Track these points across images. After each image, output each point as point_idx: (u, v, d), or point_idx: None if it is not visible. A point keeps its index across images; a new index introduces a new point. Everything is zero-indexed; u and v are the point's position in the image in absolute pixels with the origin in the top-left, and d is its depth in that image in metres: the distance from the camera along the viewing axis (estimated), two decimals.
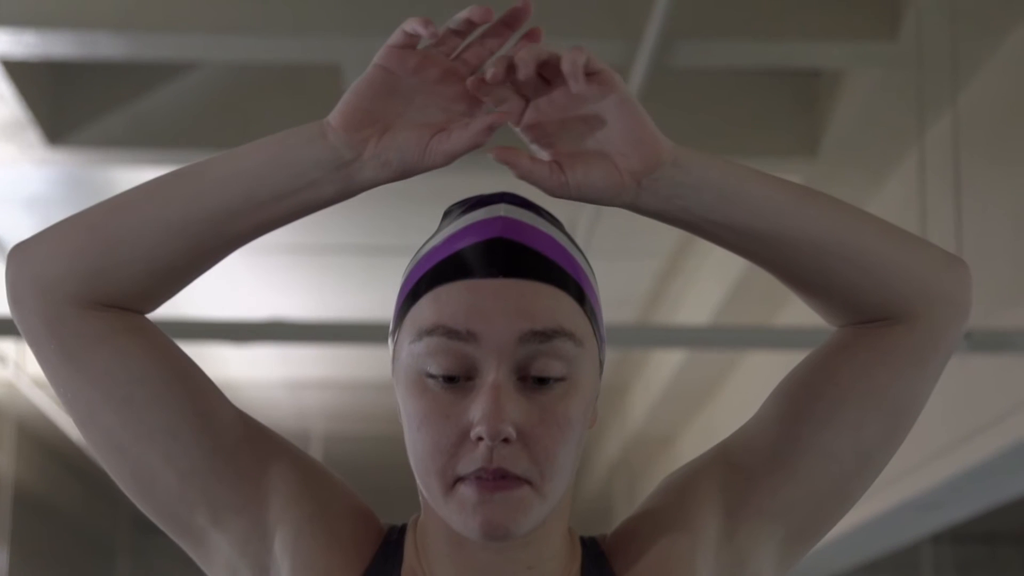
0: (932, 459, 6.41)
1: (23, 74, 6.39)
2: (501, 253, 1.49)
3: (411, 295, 1.53)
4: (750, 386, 9.37)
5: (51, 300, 1.50)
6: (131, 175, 7.93)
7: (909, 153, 6.56)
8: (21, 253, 1.51)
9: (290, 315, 9.96)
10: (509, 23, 1.47)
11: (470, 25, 1.45)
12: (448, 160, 1.44)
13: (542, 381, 1.47)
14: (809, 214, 1.52)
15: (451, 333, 1.46)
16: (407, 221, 8.76)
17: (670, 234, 8.77)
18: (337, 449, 13.74)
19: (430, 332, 1.47)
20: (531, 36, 1.46)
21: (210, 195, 1.49)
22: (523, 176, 1.45)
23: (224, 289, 9.40)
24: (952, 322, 1.59)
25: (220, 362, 10.36)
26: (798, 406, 1.58)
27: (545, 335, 1.47)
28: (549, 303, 1.48)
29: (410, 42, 1.45)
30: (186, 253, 1.51)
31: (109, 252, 1.50)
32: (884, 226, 1.57)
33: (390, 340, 1.56)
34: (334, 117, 1.47)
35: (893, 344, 1.57)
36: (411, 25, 1.42)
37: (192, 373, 1.55)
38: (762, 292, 8.27)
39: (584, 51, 1.41)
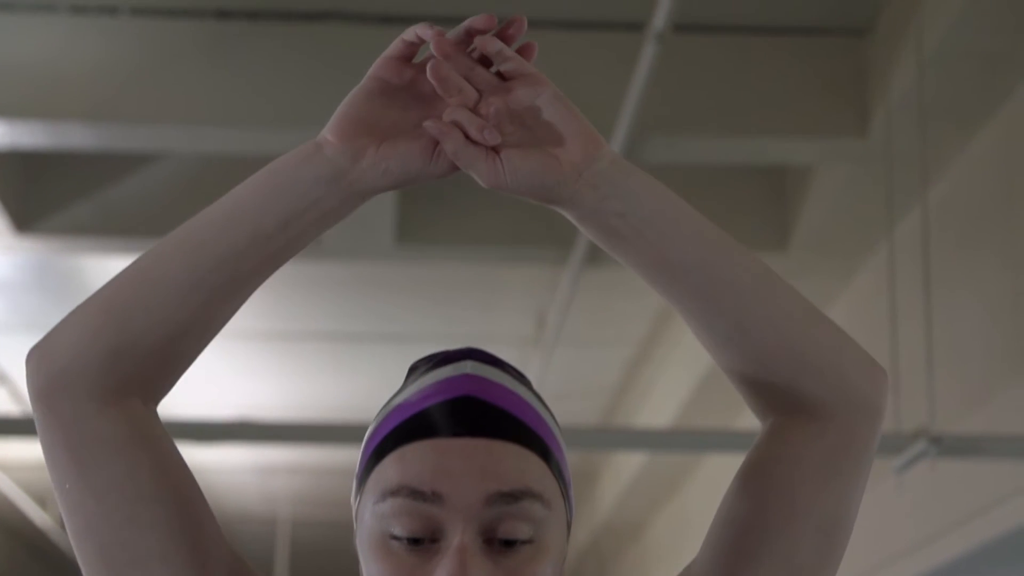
0: (899, 558, 6.39)
1: None
2: (468, 412, 1.46)
3: (375, 454, 1.48)
4: (720, 473, 9.34)
5: (72, 396, 1.46)
6: (99, 263, 7.91)
7: (879, 248, 6.57)
8: (38, 352, 1.48)
9: (260, 402, 9.95)
10: (503, 39, 1.47)
11: (471, 35, 1.45)
12: (452, 169, 1.45)
13: (509, 544, 1.43)
14: (740, 261, 1.49)
15: (416, 494, 1.43)
16: (377, 309, 8.75)
17: (640, 322, 8.77)
18: (304, 534, 13.65)
19: (394, 493, 1.44)
20: (526, 51, 1.47)
21: (214, 241, 1.46)
22: (454, 154, 1.43)
23: (193, 376, 9.32)
24: (864, 426, 1.53)
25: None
26: (729, 542, 1.53)
27: (512, 496, 1.43)
28: (517, 463, 1.45)
29: (407, 53, 1.45)
30: (203, 306, 1.47)
31: (126, 326, 1.46)
32: (812, 306, 1.54)
33: (353, 500, 1.53)
34: (328, 129, 1.46)
35: (807, 455, 1.51)
36: (413, 33, 1.43)
37: (195, 498, 1.51)
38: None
39: (511, 54, 1.43)
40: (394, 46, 1.45)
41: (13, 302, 8.50)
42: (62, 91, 5.77)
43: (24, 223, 6.83)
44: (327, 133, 1.46)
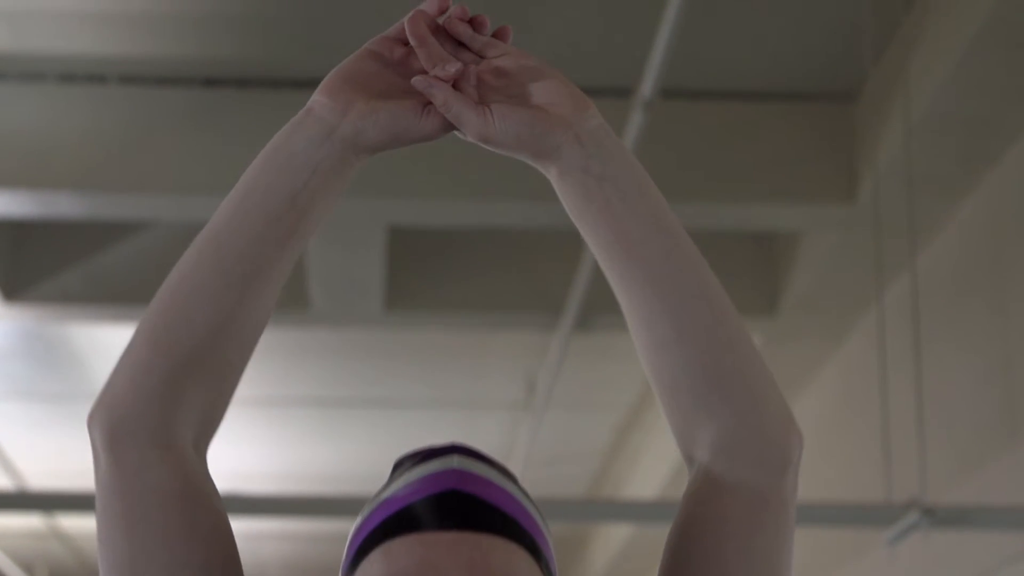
0: None
1: None
2: (455, 506, 1.44)
3: (361, 550, 1.46)
4: None
5: (137, 442, 1.45)
6: (88, 331, 7.90)
7: (868, 313, 6.57)
8: (99, 407, 1.47)
9: (249, 468, 9.91)
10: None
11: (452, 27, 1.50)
12: (443, 127, 1.47)
13: None
14: (699, 267, 1.50)
15: None
16: (366, 374, 8.73)
17: (630, 388, 8.75)
18: None
19: None
20: (500, 34, 1.52)
21: (232, 236, 1.46)
22: (444, 104, 1.45)
23: None
24: (774, 478, 1.49)
25: None
26: None
27: None
28: (505, 557, 1.42)
29: (403, 36, 1.48)
30: (240, 303, 1.47)
31: (173, 348, 1.45)
32: (754, 345, 1.52)
33: None
34: (318, 90, 1.47)
35: (728, 513, 1.48)
36: (423, 10, 1.48)
37: (235, 558, 1.51)
38: None
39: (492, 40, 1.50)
40: (393, 28, 1.49)
41: (2, 370, 8.48)
42: (51, 160, 5.77)
43: (13, 291, 6.81)
44: (315, 95, 1.48)
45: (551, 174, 1.50)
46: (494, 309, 7.20)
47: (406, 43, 1.49)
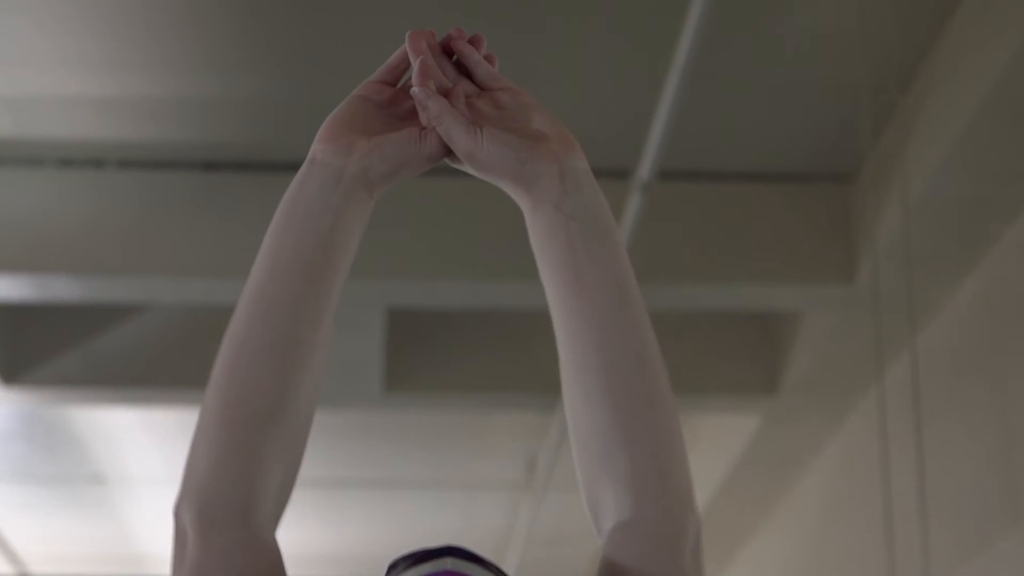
0: None
1: None
2: None
3: None
4: None
5: (227, 525, 1.44)
6: (87, 414, 7.88)
7: (868, 393, 6.54)
8: (184, 496, 1.47)
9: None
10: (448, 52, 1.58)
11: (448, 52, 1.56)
12: (443, 148, 1.50)
13: None
14: (641, 327, 1.52)
15: None
16: (366, 455, 8.70)
17: None
18: None
19: None
20: (475, 41, 1.57)
21: (277, 293, 1.49)
22: (437, 117, 1.48)
23: None
24: (673, 552, 1.48)
25: None
26: None
27: None
28: None
29: (389, 78, 1.53)
30: (301, 348, 1.48)
31: (250, 419, 1.46)
32: (678, 419, 1.52)
33: None
34: (317, 138, 1.51)
35: None
36: (396, 56, 1.54)
37: None
38: (727, 525, 8.20)
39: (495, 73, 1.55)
40: (379, 71, 1.54)
41: (1, 453, 8.45)
42: (49, 244, 5.77)
43: (11, 375, 6.80)
44: (315, 144, 1.51)
45: (525, 204, 1.52)
46: (494, 389, 7.19)
47: (393, 84, 1.54)
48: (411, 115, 1.54)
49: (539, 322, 7.32)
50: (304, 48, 5.30)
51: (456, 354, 7.09)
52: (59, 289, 5.91)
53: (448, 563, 1.48)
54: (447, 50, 1.57)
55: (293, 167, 5.61)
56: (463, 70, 1.58)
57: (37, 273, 5.80)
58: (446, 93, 1.53)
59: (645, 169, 5.01)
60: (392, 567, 1.52)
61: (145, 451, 8.59)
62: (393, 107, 1.54)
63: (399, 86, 1.56)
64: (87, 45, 5.24)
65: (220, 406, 1.47)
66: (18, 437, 8.20)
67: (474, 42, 1.56)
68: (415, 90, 1.50)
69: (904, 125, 5.32)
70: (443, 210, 5.85)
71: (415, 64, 1.53)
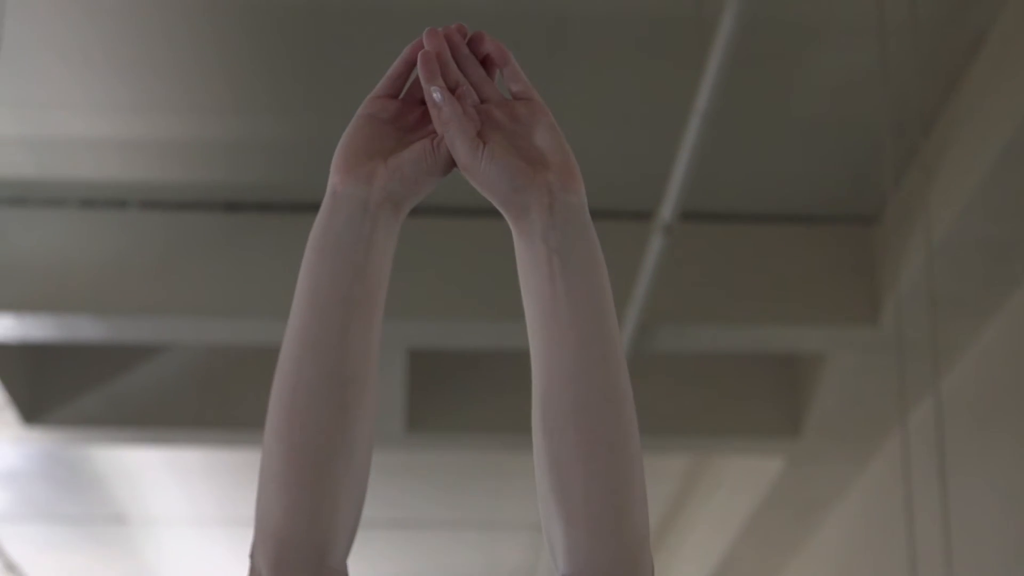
0: None
1: (1, 356, 6.37)
2: None
3: None
4: None
5: (305, 567, 1.45)
6: (108, 454, 7.88)
7: (892, 436, 6.51)
8: (259, 544, 1.46)
9: None
10: (455, 53, 1.54)
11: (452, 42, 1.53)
12: (451, 161, 1.49)
13: None
14: (612, 374, 1.49)
15: None
16: (387, 496, 8.68)
17: (653, 508, 8.68)
18: None
19: None
20: (476, 39, 1.55)
21: (323, 332, 1.47)
22: (447, 121, 1.48)
23: (201, 569, 9.25)
24: None
25: None
26: None
27: None
28: None
29: (392, 91, 1.52)
30: (353, 383, 1.47)
31: (316, 458, 1.45)
32: (642, 471, 1.49)
33: None
34: (333, 171, 1.50)
35: None
36: (399, 63, 1.52)
37: None
38: (750, 568, 8.16)
39: (525, 82, 1.53)
40: (381, 84, 1.52)
41: (22, 493, 8.45)
42: (71, 284, 5.78)
43: (33, 415, 6.80)
44: (333, 176, 1.50)
45: (513, 229, 1.51)
46: (515, 430, 7.17)
47: (396, 95, 1.53)
48: (420, 124, 1.54)
49: None
50: (326, 91, 5.31)
51: (477, 395, 7.08)
52: (81, 329, 5.92)
53: None
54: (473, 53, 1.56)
55: (315, 208, 5.62)
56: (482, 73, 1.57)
57: (59, 313, 5.81)
58: (453, 88, 1.52)
59: (667, 210, 5.00)
60: None
61: (167, 491, 8.59)
62: (401, 120, 1.54)
63: (402, 96, 1.55)
64: (110, 87, 5.26)
65: (285, 448, 1.47)
66: (41, 477, 8.20)
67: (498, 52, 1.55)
68: (432, 89, 1.50)
69: (927, 167, 5.30)
70: (464, 251, 5.85)
71: (421, 62, 1.52)
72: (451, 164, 1.50)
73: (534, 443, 1.52)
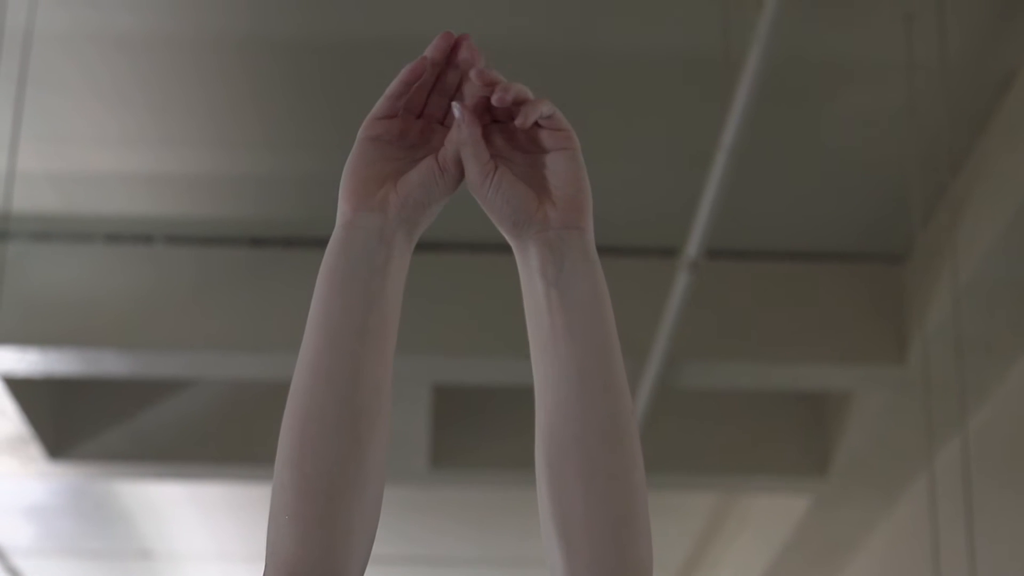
0: None
1: (25, 390, 6.38)
2: None
3: None
4: None
5: None
6: (133, 488, 7.87)
7: (919, 476, 6.47)
8: (271, 572, 1.45)
9: None
10: (452, 60, 1.51)
11: (439, 59, 1.49)
12: (459, 177, 1.47)
13: None
14: (614, 404, 1.46)
15: None
16: (412, 532, 8.66)
17: (680, 547, 8.65)
18: None
19: None
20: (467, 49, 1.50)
21: (336, 364, 1.46)
22: (462, 142, 1.46)
23: None
24: None
25: None
26: None
27: None
28: None
29: (393, 111, 1.49)
30: (364, 414, 1.45)
31: (328, 489, 1.43)
32: (645, 501, 1.49)
33: None
34: (345, 204, 1.48)
35: None
36: (398, 83, 1.48)
37: None
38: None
39: (552, 106, 1.47)
40: (381, 105, 1.50)
41: (48, 527, 8.45)
42: (96, 319, 5.79)
43: (58, 449, 6.81)
44: (343, 205, 1.49)
45: (516, 257, 1.50)
46: None
47: (393, 116, 1.50)
48: (423, 139, 1.51)
49: None
50: (352, 127, 5.30)
51: (503, 431, 7.06)
52: (107, 364, 5.93)
53: None
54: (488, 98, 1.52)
55: None
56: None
57: (85, 348, 5.82)
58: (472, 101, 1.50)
59: (693, 247, 4.99)
60: None
61: (192, 526, 8.58)
62: (404, 139, 1.51)
63: (401, 114, 1.52)
64: (136, 122, 5.27)
65: (298, 479, 1.45)
66: (66, 512, 8.20)
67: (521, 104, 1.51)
68: (455, 104, 1.48)
69: (955, 206, 5.28)
70: (489, 287, 5.84)
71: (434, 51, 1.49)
72: (459, 180, 1.49)
73: (537, 475, 1.50)
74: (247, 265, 5.88)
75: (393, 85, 1.50)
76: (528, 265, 1.49)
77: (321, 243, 6.10)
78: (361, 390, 1.46)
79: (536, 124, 1.50)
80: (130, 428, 6.80)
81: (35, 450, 6.70)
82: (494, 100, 1.46)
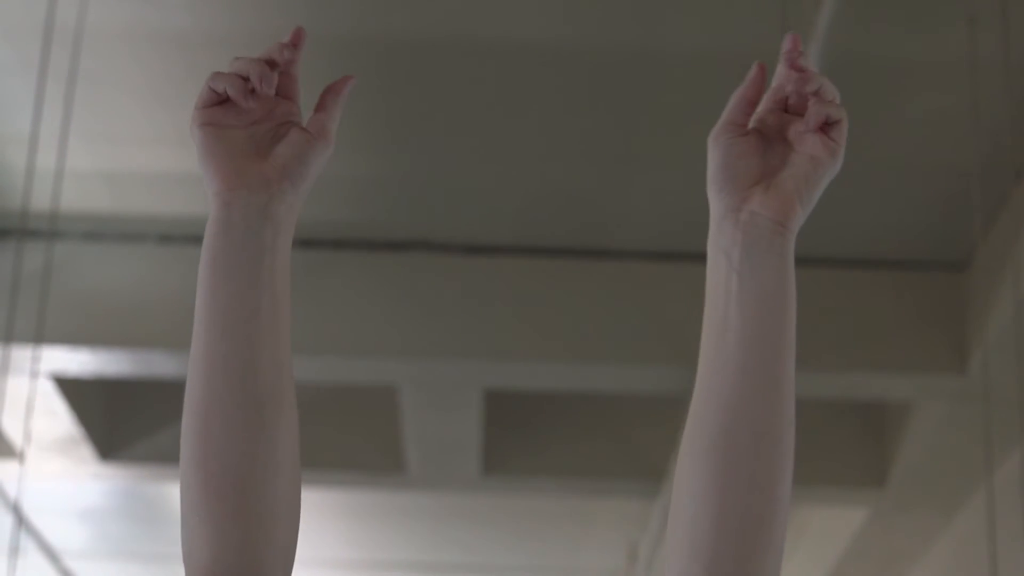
0: None
1: (77, 391, 6.38)
2: None
3: None
4: None
5: None
6: None
7: (980, 487, 6.38)
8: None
9: None
10: (295, 43, 1.46)
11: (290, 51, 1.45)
12: (328, 133, 1.45)
13: None
14: (780, 409, 1.42)
15: None
16: (464, 540, 8.63)
17: None
18: None
19: None
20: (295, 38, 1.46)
21: (233, 353, 1.40)
22: (803, 79, 1.45)
23: None
24: None
25: None
26: None
27: None
28: None
29: (214, 99, 1.43)
30: (268, 400, 1.40)
31: (239, 483, 1.38)
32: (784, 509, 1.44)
33: None
34: (220, 187, 1.41)
35: None
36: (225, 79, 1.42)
37: None
38: None
39: (844, 117, 1.47)
40: (202, 97, 1.43)
41: (99, 529, 8.46)
42: (147, 319, 5.77)
43: (109, 451, 6.81)
44: (220, 190, 1.41)
45: (711, 224, 1.45)
46: (593, 475, 7.09)
47: (224, 100, 1.44)
48: (265, 113, 1.45)
49: (640, 407, 7.25)
50: (401, 129, 5.28)
51: (555, 438, 7.01)
52: (157, 365, 5.91)
53: None
54: None
55: (389, 246, 5.63)
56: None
57: (135, 349, 5.80)
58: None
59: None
60: None
61: None
62: (244, 116, 1.44)
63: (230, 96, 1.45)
64: (187, 122, 5.24)
65: (204, 478, 1.39)
66: (117, 514, 8.21)
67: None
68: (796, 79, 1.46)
69: (1018, 213, 5.19)
70: (542, 291, 5.78)
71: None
72: (330, 139, 1.45)
73: (678, 464, 1.43)
74: (297, 266, 5.82)
75: (216, 80, 1.43)
76: (717, 239, 1.43)
77: (371, 245, 6.05)
78: (262, 377, 1.40)
79: (821, 129, 1.47)
80: (180, 430, 6.79)
81: (86, 451, 6.70)
82: (796, 87, 1.45)
